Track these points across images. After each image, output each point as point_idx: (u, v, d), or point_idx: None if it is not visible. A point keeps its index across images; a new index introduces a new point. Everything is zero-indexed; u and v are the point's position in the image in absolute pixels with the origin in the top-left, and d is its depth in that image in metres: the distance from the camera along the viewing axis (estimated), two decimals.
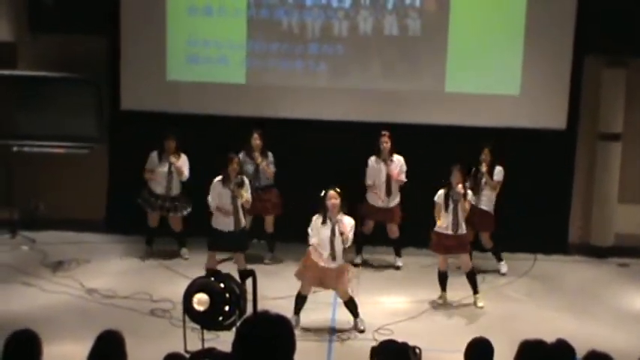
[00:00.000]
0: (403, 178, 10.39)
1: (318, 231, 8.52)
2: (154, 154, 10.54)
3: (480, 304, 9.44)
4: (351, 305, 8.69)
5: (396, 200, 10.53)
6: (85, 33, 11.25)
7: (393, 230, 10.66)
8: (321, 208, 8.53)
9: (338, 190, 8.50)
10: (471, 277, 9.43)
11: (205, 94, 11.42)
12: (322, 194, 8.50)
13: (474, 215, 10.00)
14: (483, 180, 10.23)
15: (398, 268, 10.71)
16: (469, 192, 9.37)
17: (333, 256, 8.49)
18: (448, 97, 11.26)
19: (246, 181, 9.64)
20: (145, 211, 10.67)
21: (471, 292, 9.48)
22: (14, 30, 11.50)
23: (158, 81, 11.45)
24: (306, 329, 8.57)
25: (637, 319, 9.27)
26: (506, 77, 11.21)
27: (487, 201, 10.31)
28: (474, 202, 9.72)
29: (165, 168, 10.50)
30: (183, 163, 10.50)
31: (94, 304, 9.17)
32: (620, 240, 11.48)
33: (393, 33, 11.22)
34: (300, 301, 8.71)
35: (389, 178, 10.39)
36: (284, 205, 10.69)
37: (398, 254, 10.78)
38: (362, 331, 8.62)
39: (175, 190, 10.58)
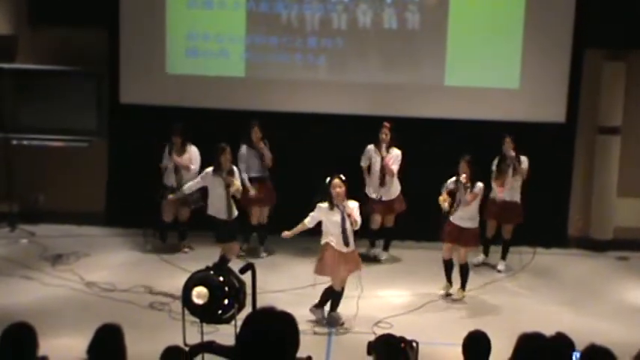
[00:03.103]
0: (394, 168, 10.27)
1: (327, 218, 8.46)
2: (166, 149, 10.57)
3: (457, 296, 9.38)
4: (335, 296, 8.56)
5: (393, 193, 10.52)
6: (85, 26, 11.24)
7: (388, 219, 10.66)
8: (324, 195, 8.44)
9: (342, 177, 8.39)
10: (463, 271, 9.40)
11: (205, 87, 11.41)
12: (327, 181, 8.42)
13: (497, 207, 10.00)
14: (510, 169, 10.16)
15: (379, 260, 10.65)
16: (479, 184, 9.27)
17: (346, 242, 8.45)
18: (447, 91, 11.25)
19: (236, 170, 9.71)
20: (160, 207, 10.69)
21: (472, 285, 9.49)
22: (14, 22, 11.48)
23: (158, 74, 11.44)
24: (306, 322, 8.53)
25: (636, 312, 9.28)
26: (506, 70, 11.20)
27: (513, 191, 10.25)
28: (477, 195, 9.60)
29: (171, 163, 10.55)
30: (189, 157, 10.48)
31: (93, 297, 9.17)
32: (619, 233, 11.50)
33: (393, 26, 11.20)
34: (335, 296, 8.52)
35: (384, 169, 10.38)
36: (278, 196, 10.70)
37: (386, 247, 10.77)
38: (329, 325, 8.48)
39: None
